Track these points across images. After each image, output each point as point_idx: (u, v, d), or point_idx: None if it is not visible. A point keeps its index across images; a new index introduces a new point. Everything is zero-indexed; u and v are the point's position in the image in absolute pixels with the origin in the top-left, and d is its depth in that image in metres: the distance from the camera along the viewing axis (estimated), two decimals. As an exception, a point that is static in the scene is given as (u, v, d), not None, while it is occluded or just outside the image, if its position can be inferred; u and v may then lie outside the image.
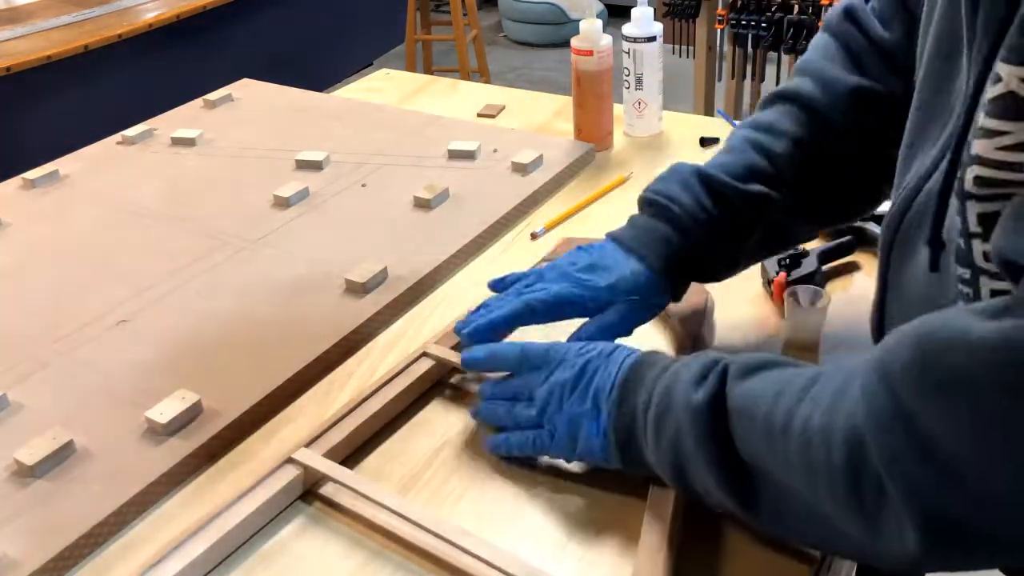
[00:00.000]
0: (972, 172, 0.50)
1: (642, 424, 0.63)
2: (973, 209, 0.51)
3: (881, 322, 0.66)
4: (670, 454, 0.61)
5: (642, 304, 0.76)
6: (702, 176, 0.76)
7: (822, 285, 0.86)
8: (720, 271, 0.79)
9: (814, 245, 0.91)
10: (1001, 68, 0.48)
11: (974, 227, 0.51)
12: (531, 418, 0.69)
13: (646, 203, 0.79)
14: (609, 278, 0.75)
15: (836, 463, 0.50)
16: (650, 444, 0.62)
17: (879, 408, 0.48)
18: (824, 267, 0.90)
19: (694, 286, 0.82)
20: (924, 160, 0.61)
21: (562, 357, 0.69)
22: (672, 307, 0.83)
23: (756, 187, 0.76)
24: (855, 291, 0.89)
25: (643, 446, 0.63)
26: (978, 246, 0.51)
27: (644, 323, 0.77)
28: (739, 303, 0.88)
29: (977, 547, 0.47)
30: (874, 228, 0.92)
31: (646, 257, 0.75)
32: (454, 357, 0.79)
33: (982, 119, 0.49)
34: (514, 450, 0.70)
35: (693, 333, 0.81)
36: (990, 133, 0.49)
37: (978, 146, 0.50)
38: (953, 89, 0.59)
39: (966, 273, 0.52)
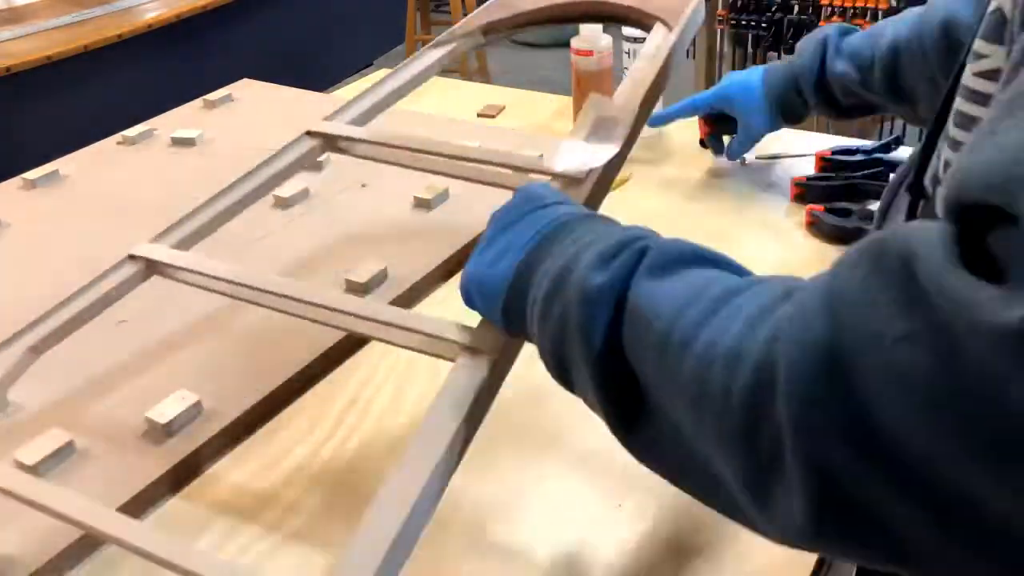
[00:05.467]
0: (955, 107, 0.48)
1: (531, 297, 0.53)
2: (944, 154, 0.48)
3: None
4: (553, 341, 0.51)
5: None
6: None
7: None
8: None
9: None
10: None
11: (941, 172, 0.48)
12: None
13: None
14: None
15: (736, 395, 0.39)
16: (535, 323, 0.53)
17: (811, 342, 0.36)
18: None
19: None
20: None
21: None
22: None
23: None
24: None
25: (529, 322, 0.54)
26: (940, 192, 0.45)
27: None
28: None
29: (874, 534, 0.37)
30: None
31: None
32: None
33: (976, 43, 0.48)
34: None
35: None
36: (976, 56, 0.47)
37: (967, 73, 0.48)
38: None
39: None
